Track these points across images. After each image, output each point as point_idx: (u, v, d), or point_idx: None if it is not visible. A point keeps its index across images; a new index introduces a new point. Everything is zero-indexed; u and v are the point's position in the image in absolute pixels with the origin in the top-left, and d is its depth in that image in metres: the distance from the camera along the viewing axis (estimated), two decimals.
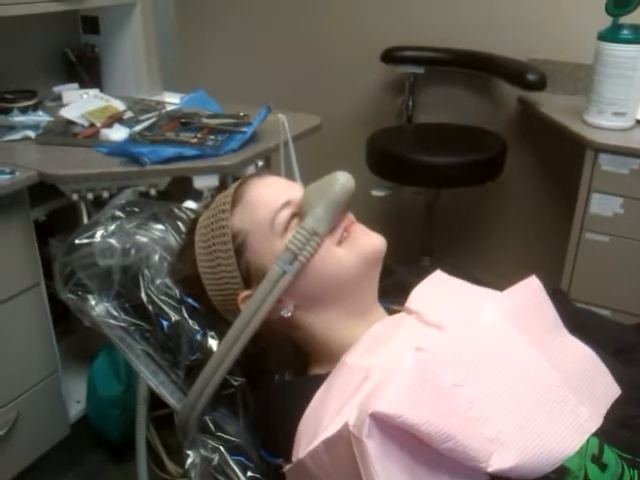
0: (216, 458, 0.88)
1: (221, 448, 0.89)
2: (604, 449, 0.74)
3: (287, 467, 0.78)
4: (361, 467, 0.67)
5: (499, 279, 1.00)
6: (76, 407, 1.94)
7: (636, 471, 0.73)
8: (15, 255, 1.59)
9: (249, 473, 0.87)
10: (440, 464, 0.69)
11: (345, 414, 0.70)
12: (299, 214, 0.90)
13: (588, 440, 0.75)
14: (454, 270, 1.03)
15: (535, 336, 0.85)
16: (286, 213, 0.89)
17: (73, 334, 2.11)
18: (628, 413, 0.81)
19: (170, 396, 0.94)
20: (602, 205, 1.84)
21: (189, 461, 0.89)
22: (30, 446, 1.76)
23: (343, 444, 0.69)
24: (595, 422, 0.78)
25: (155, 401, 1.42)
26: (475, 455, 0.68)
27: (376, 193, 2.32)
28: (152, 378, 0.94)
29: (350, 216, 0.92)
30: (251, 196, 0.92)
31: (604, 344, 0.92)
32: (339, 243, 0.89)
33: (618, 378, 0.86)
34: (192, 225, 0.98)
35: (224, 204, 0.92)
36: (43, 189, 1.57)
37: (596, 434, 0.76)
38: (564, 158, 2.20)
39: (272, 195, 0.91)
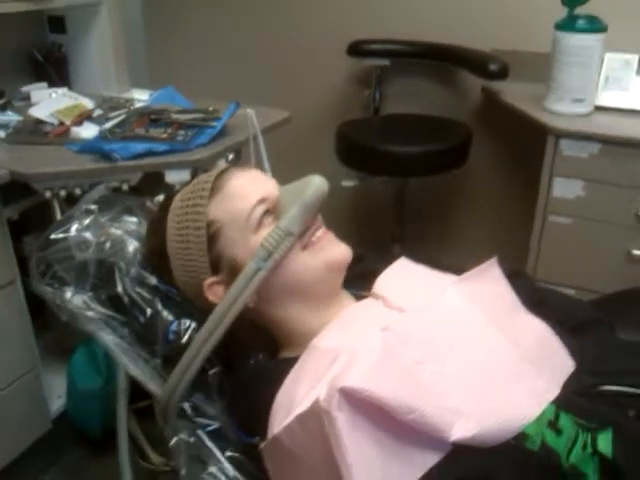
0: (195, 441, 0.92)
1: (199, 431, 0.93)
2: (560, 415, 0.79)
3: (263, 444, 0.82)
4: (331, 439, 0.71)
5: (467, 263, 1.05)
6: (57, 402, 1.96)
7: (589, 435, 0.78)
8: None
9: (228, 453, 0.91)
10: (406, 435, 0.73)
11: (316, 391, 0.75)
12: (272, 211, 0.94)
13: (545, 408, 0.80)
14: (420, 256, 1.08)
15: (493, 315, 0.90)
16: (260, 209, 0.93)
17: (51, 330, 2.12)
18: (582, 382, 0.86)
19: (149, 383, 0.97)
20: (564, 189, 1.90)
21: (171, 444, 0.92)
22: (12, 442, 1.77)
23: (315, 418, 0.73)
24: (552, 392, 0.83)
25: (136, 393, 1.45)
26: (437, 426, 0.73)
27: (346, 183, 2.36)
28: (131, 366, 0.97)
29: (319, 219, 0.97)
30: (231, 188, 0.95)
31: (561, 320, 0.98)
32: (306, 247, 0.93)
33: (572, 351, 0.91)
34: (167, 201, 1.01)
35: (203, 190, 0.95)
36: (15, 188, 1.58)
37: (553, 402, 0.81)
38: (527, 144, 2.26)
39: (250, 189, 0.95)
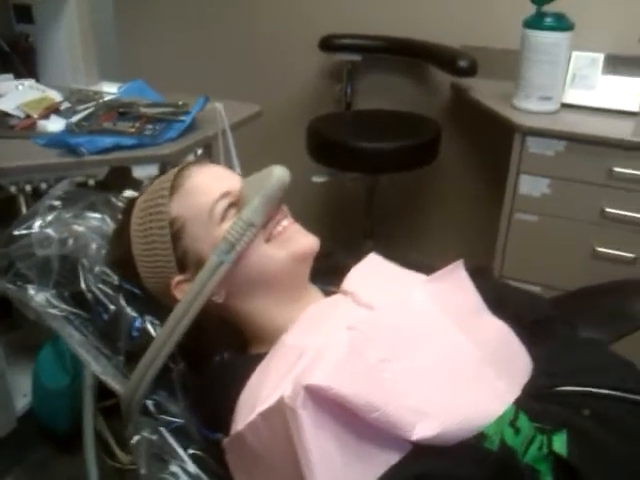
0: (158, 438, 0.91)
1: (161, 429, 0.92)
2: (519, 416, 0.81)
3: (226, 440, 0.82)
4: (295, 436, 0.71)
5: (436, 259, 1.06)
6: (23, 400, 1.94)
7: (545, 436, 0.79)
8: None
9: (190, 451, 0.91)
10: (368, 434, 0.74)
11: (281, 388, 0.75)
12: (237, 204, 0.93)
13: (506, 409, 0.81)
14: (391, 253, 1.08)
15: (457, 317, 0.91)
16: (224, 203, 0.93)
17: (18, 329, 2.09)
18: (538, 384, 0.88)
19: (112, 381, 0.96)
20: (530, 186, 1.93)
21: (132, 442, 0.91)
22: None
23: (279, 416, 0.73)
24: (512, 394, 0.84)
25: (103, 391, 1.44)
26: (400, 424, 0.74)
27: (316, 179, 2.37)
28: (94, 364, 0.96)
29: (284, 209, 0.97)
30: (191, 184, 0.95)
31: (520, 316, 0.99)
32: (270, 239, 0.93)
33: (530, 351, 0.93)
34: (129, 207, 1.00)
35: (163, 189, 0.94)
36: None
37: (513, 403, 0.82)
38: (495, 141, 2.29)
39: (212, 184, 0.95)
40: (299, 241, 0.95)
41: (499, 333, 0.93)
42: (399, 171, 2.29)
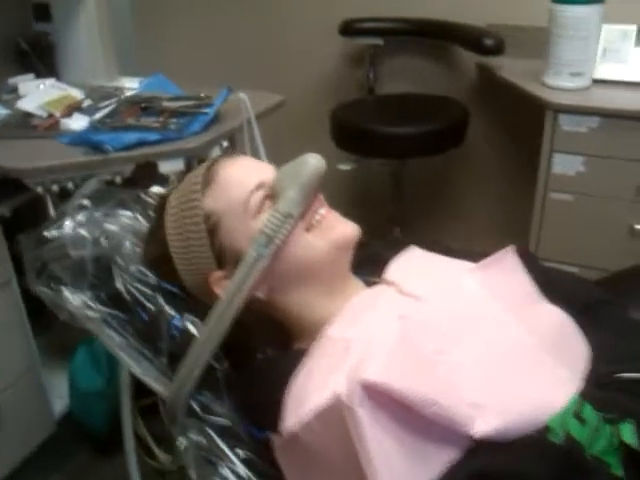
0: (205, 440, 0.89)
1: (209, 430, 0.90)
2: (584, 405, 0.77)
3: (276, 439, 0.80)
4: (354, 436, 0.68)
5: (467, 244, 1.03)
6: (60, 403, 1.93)
7: (609, 426, 0.76)
8: None
9: (238, 451, 0.88)
10: (425, 429, 0.71)
11: (333, 384, 0.72)
12: (271, 196, 0.90)
13: (570, 398, 0.77)
14: (428, 243, 1.05)
15: (511, 304, 0.87)
16: (259, 194, 0.90)
17: (50, 330, 2.08)
18: (598, 371, 0.84)
19: (155, 383, 0.94)
20: (564, 165, 1.87)
21: (180, 447, 0.89)
22: (16, 446, 1.75)
23: (335, 414, 0.71)
24: (574, 383, 0.80)
25: (139, 391, 1.42)
26: (458, 420, 0.70)
27: (342, 167, 2.33)
28: (135, 367, 0.94)
29: (320, 197, 0.93)
30: (223, 177, 0.92)
31: (571, 302, 0.95)
32: (310, 228, 0.90)
33: (586, 337, 0.89)
34: (161, 205, 0.98)
35: (195, 184, 0.92)
36: (7, 184, 1.54)
37: (576, 392, 0.79)
38: (525, 121, 2.23)
39: (245, 176, 0.92)
40: (340, 229, 0.92)
41: (555, 319, 0.89)
42: (426, 155, 2.25)
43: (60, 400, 1.93)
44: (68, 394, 1.91)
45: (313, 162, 0.88)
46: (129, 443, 1.44)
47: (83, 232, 0.96)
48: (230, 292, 0.87)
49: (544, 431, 0.73)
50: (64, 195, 1.58)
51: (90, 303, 0.94)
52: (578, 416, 0.75)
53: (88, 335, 1.73)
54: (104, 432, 1.91)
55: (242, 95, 1.62)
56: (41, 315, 2.04)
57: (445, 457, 0.70)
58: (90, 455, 1.94)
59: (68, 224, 0.98)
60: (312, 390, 0.76)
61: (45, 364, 1.85)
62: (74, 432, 1.94)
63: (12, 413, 1.71)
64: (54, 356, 2.03)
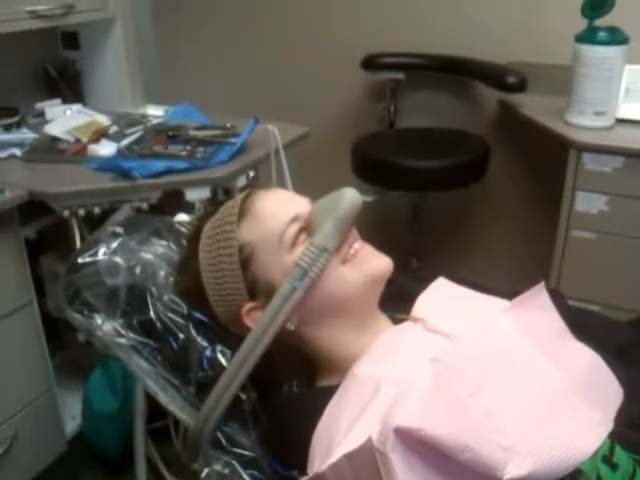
0: (229, 472, 0.89)
1: (234, 462, 0.89)
2: (615, 449, 0.76)
3: (304, 479, 0.79)
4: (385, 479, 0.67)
5: (485, 279, 1.02)
6: (72, 423, 1.93)
7: None
8: (7, 274, 1.58)
9: None
10: (459, 475, 0.70)
11: (364, 427, 0.71)
12: (306, 229, 0.91)
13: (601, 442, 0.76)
14: (436, 271, 1.04)
15: (544, 344, 0.86)
16: (295, 228, 0.90)
17: (65, 350, 2.09)
18: (632, 413, 0.83)
19: (180, 412, 0.94)
20: (587, 203, 1.88)
21: (203, 477, 0.89)
22: (28, 464, 1.75)
23: (366, 458, 0.70)
24: (607, 425, 0.79)
25: (151, 414, 1.42)
26: (492, 464, 0.69)
27: (363, 198, 2.32)
28: (162, 395, 0.93)
29: (354, 232, 0.94)
30: (259, 209, 0.92)
31: (603, 343, 0.94)
32: (345, 261, 0.90)
33: (619, 378, 0.88)
34: (195, 234, 0.98)
35: (231, 215, 0.92)
36: (32, 206, 1.56)
37: (608, 435, 0.78)
38: (546, 158, 2.24)
39: (281, 209, 0.92)
40: (375, 262, 0.92)
41: (588, 360, 0.88)
42: (447, 189, 2.25)
43: (72, 420, 1.94)
44: (81, 415, 1.91)
45: (349, 196, 0.89)
46: (140, 465, 1.44)
47: (118, 259, 0.97)
48: (263, 324, 0.86)
49: (576, 474, 0.72)
50: (89, 219, 1.60)
51: (121, 330, 0.94)
52: (609, 460, 0.74)
53: (105, 357, 1.74)
54: (115, 453, 1.90)
55: (270, 126, 1.64)
56: (57, 336, 2.06)
57: None
58: (100, 476, 1.94)
59: (102, 251, 0.98)
60: (341, 431, 0.75)
61: (59, 384, 1.86)
62: (85, 452, 1.94)
63: (26, 433, 1.71)
64: (68, 376, 2.03)
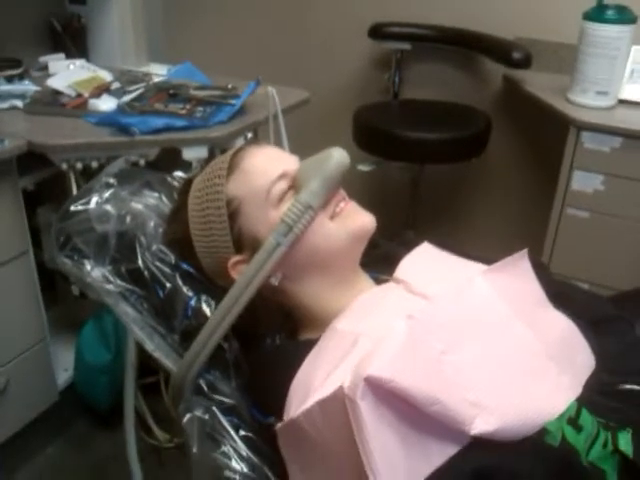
0: (209, 418, 0.91)
1: (214, 408, 0.92)
2: (581, 412, 0.78)
3: (279, 425, 0.82)
4: (354, 427, 0.70)
5: (482, 253, 1.04)
6: (64, 375, 1.96)
7: (609, 433, 0.77)
8: (4, 224, 1.60)
9: (241, 432, 0.90)
10: (425, 425, 0.72)
11: (339, 377, 0.73)
12: (294, 186, 0.92)
13: (568, 405, 0.79)
14: (441, 244, 1.06)
15: (520, 308, 0.88)
16: (282, 184, 0.92)
17: (60, 304, 2.12)
18: (602, 380, 0.85)
19: (166, 359, 0.96)
20: (583, 182, 1.88)
21: (184, 421, 0.91)
22: (20, 411, 1.78)
23: (337, 405, 0.72)
24: (575, 390, 0.81)
25: (143, 369, 1.45)
26: (459, 418, 0.72)
27: (362, 168, 2.35)
28: (148, 342, 0.96)
29: (342, 191, 0.95)
30: (248, 164, 0.94)
31: (581, 314, 0.96)
32: (330, 218, 0.92)
33: (593, 348, 0.90)
34: (185, 187, 1.00)
35: (220, 169, 0.94)
36: (31, 158, 1.57)
37: (575, 399, 0.80)
38: (547, 135, 2.24)
39: (269, 165, 0.93)
40: (358, 219, 0.94)
41: (563, 327, 0.90)
42: (446, 162, 2.26)
43: (65, 372, 1.97)
44: (74, 366, 1.94)
45: (337, 156, 0.90)
46: (129, 418, 1.47)
47: (109, 208, 0.99)
48: (246, 277, 0.88)
49: (542, 433, 0.75)
50: (87, 173, 1.61)
51: (110, 277, 0.96)
52: (575, 422, 0.76)
53: (98, 310, 1.76)
54: (105, 406, 1.94)
55: (270, 89, 1.64)
56: (53, 289, 2.08)
57: (444, 452, 0.72)
58: (90, 426, 1.99)
59: (94, 200, 1.00)
60: (317, 380, 0.78)
61: (53, 336, 1.88)
62: (76, 403, 1.98)
63: (18, 380, 1.74)
64: (62, 329, 2.06)
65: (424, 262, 1.01)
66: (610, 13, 1.83)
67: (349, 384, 0.71)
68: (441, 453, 0.72)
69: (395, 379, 0.69)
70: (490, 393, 0.76)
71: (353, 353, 0.77)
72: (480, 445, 0.72)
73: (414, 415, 0.71)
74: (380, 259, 1.04)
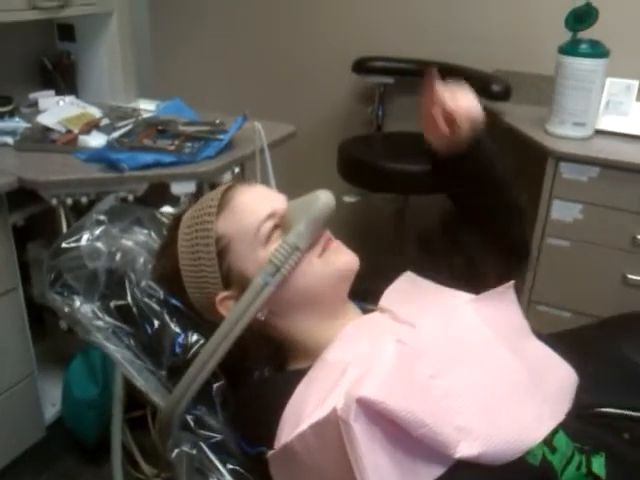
0: (197, 453, 0.92)
1: (201, 444, 0.93)
2: (557, 434, 0.81)
3: (271, 452, 0.83)
4: (348, 448, 0.72)
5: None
6: (51, 410, 1.96)
7: (583, 456, 0.80)
8: None
9: (229, 465, 0.91)
10: (415, 448, 0.74)
11: (331, 401, 0.76)
12: (281, 226, 0.95)
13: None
14: (427, 273, 1.09)
15: (506, 337, 0.91)
16: (270, 224, 0.94)
17: (48, 338, 2.12)
18: (580, 403, 0.88)
19: (154, 394, 0.97)
20: (562, 211, 1.93)
21: (172, 456, 0.92)
22: (7, 446, 1.78)
23: (330, 428, 0.74)
24: (557, 418, 0.84)
25: (129, 403, 1.46)
26: (445, 442, 0.74)
27: (347, 199, 2.39)
28: (137, 377, 0.97)
29: (327, 232, 0.98)
30: (238, 203, 0.97)
31: (561, 339, 0.99)
32: (318, 257, 0.95)
33: (575, 369, 0.93)
34: (175, 223, 1.02)
35: (210, 207, 0.96)
36: (22, 194, 1.59)
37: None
38: (527, 166, 2.26)
39: (258, 204, 0.96)
40: (343, 259, 0.97)
41: (546, 356, 0.93)
42: (429, 193, 2.29)
43: (52, 407, 1.97)
44: (61, 401, 1.94)
45: (324, 199, 0.93)
46: (116, 453, 1.46)
47: (99, 245, 1.01)
48: (235, 315, 0.90)
49: (524, 453, 0.77)
50: (77, 208, 1.63)
51: (99, 313, 0.98)
52: (549, 444, 0.79)
53: (86, 345, 1.76)
54: (93, 440, 1.94)
55: (256, 124, 1.68)
56: (41, 323, 2.09)
57: (431, 473, 0.74)
58: (77, 462, 1.97)
59: (85, 237, 1.02)
60: (309, 407, 0.80)
61: (41, 371, 1.89)
62: (63, 439, 1.97)
63: (6, 415, 1.74)
64: (50, 364, 2.07)
65: (408, 291, 1.03)
66: (584, 47, 1.90)
67: (342, 406, 0.73)
68: (428, 474, 0.74)
69: (385, 401, 0.72)
70: (476, 418, 0.78)
71: (343, 381, 0.80)
72: (465, 465, 0.75)
73: (403, 437, 0.74)
74: (364, 290, 1.06)
